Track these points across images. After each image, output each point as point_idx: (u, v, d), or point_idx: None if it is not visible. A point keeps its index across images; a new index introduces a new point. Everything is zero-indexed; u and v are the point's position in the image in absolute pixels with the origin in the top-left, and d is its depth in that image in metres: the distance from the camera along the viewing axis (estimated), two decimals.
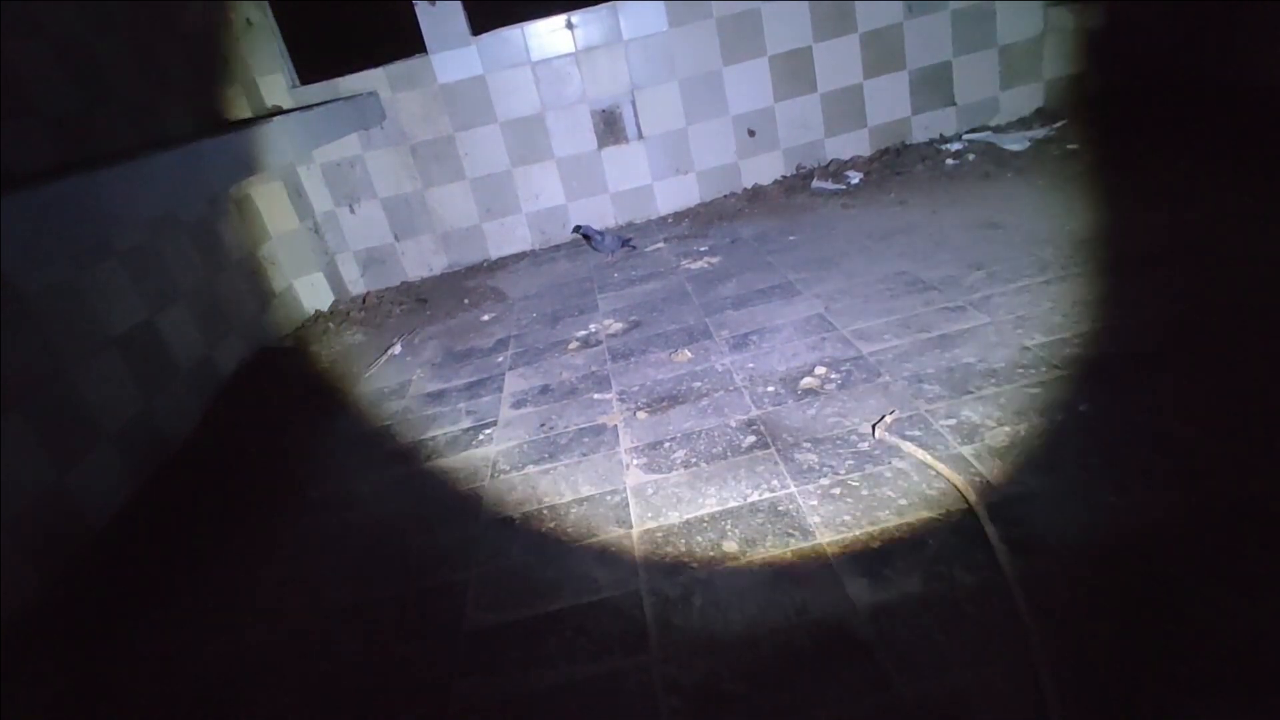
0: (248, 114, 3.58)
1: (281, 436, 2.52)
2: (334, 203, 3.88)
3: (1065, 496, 1.42)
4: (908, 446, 1.68)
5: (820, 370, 2.08)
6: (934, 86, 3.91)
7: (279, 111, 3.58)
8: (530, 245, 4.06)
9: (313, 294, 3.82)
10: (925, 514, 1.48)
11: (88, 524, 2.10)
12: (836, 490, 1.60)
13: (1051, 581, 1.24)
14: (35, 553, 1.91)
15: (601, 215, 4.00)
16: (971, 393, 1.83)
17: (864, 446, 1.73)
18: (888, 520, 1.49)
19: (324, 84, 3.67)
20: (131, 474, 2.32)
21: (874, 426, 1.78)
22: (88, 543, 2.07)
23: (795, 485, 1.65)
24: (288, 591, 1.74)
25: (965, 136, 3.87)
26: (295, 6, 3.75)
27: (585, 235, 3.73)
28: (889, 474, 1.62)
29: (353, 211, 3.91)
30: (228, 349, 3.04)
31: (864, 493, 1.58)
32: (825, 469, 1.68)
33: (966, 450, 1.63)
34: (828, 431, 1.81)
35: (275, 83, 3.65)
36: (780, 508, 1.59)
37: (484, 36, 3.64)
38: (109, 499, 2.20)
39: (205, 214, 3.12)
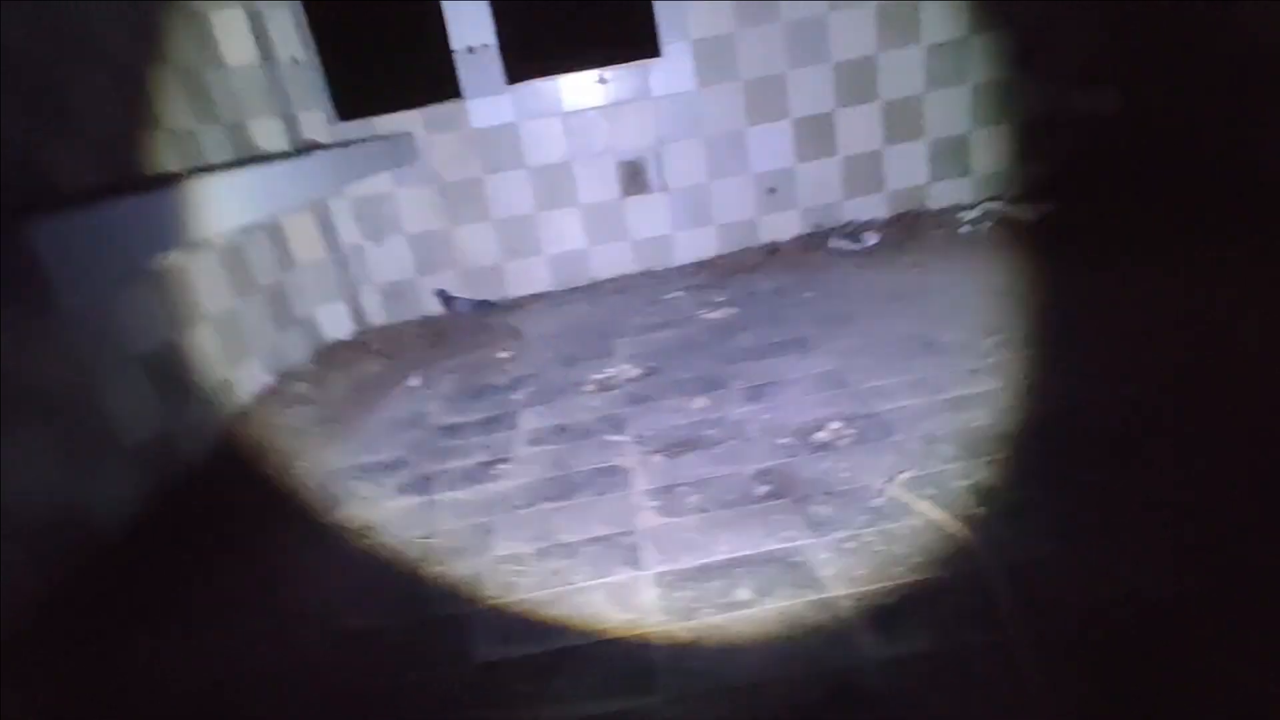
0: (285, 146, 3.69)
1: (296, 461, 2.55)
2: (361, 236, 3.97)
3: (1076, 561, 1.44)
4: (921, 505, 1.70)
5: (835, 425, 2.11)
6: (952, 156, 4.01)
7: (316, 146, 3.70)
8: (549, 287, 4.12)
9: (334, 323, 3.89)
10: (938, 572, 1.49)
11: (99, 535, 2.12)
12: (850, 544, 1.62)
13: (1060, 644, 1.25)
14: (45, 560, 1.92)
15: (621, 261, 4.08)
16: (984, 455, 1.85)
17: (878, 502, 1.74)
18: (901, 576, 1.50)
19: (361, 122, 3.79)
20: (148, 490, 2.34)
21: (888, 483, 1.80)
22: (97, 554, 2.09)
23: (809, 537, 1.66)
24: (296, 614, 1.74)
25: (980, 205, 3.96)
26: (338, 47, 3.90)
27: (446, 299, 4.00)
28: (902, 531, 1.63)
29: (379, 245, 4.00)
30: (248, 372, 3.08)
31: (877, 548, 1.59)
32: (839, 522, 1.69)
33: (979, 512, 1.65)
34: (842, 485, 1.83)
35: (314, 118, 3.77)
36: (793, 559, 1.61)
37: (519, 86, 3.77)
38: (122, 512, 2.22)
39: (235, 238, 3.20)
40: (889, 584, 1.49)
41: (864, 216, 4.06)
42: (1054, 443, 1.84)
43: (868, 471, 1.87)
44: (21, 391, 1.94)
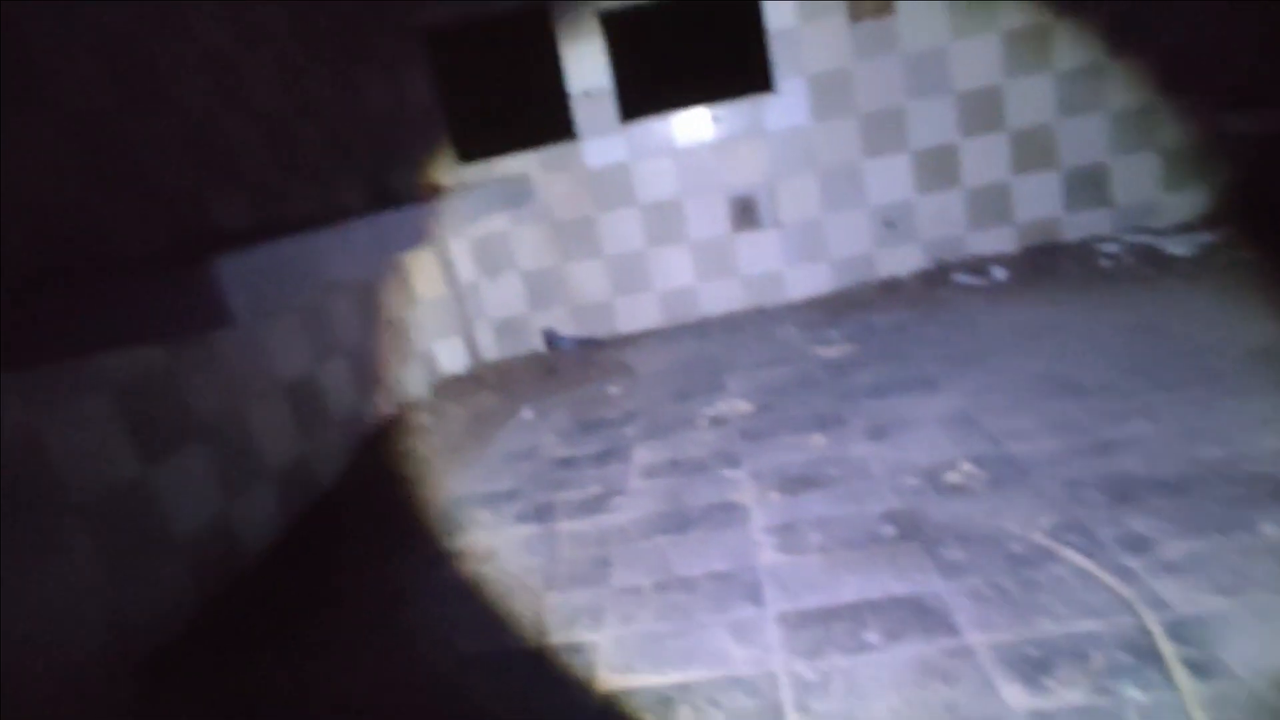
0: (409, 189, 3.93)
1: (419, 489, 2.65)
2: (478, 273, 4.15)
3: (1251, 619, 1.29)
4: (1067, 553, 1.58)
5: (966, 466, 2.00)
6: (1089, 186, 3.80)
7: (439, 188, 3.92)
8: (658, 323, 4.16)
9: (450, 357, 4.06)
10: (1088, 624, 1.38)
11: (245, 553, 2.27)
12: (988, 591, 1.52)
13: (1234, 707, 1.12)
14: (200, 575, 2.07)
15: (730, 298, 4.08)
16: (1136, 503, 1.71)
17: (1017, 549, 1.63)
18: (1046, 627, 1.39)
19: (481, 165, 3.99)
20: (285, 511, 2.50)
21: (1028, 529, 1.68)
22: (243, 572, 2.23)
23: (941, 582, 1.57)
24: (422, 635, 1.79)
25: (1123, 238, 3.72)
26: (459, 93, 4.14)
27: (550, 338, 4.08)
28: (1045, 580, 1.52)
29: (494, 282, 4.16)
30: (373, 404, 3.26)
31: (1018, 596, 1.49)
32: (974, 568, 1.60)
33: (1134, 563, 1.52)
34: (976, 530, 1.73)
35: (438, 162, 4.00)
36: (925, 604, 1.52)
37: (632, 125, 3.88)
38: (265, 532, 2.37)
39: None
40: (1033, 634, 1.38)
41: (990, 250, 3.89)
42: (1217, 490, 1.68)
43: (1004, 516, 1.76)
44: (187, 416, 2.13)
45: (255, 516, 2.34)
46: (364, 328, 3.29)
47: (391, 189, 3.88)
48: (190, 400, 2.14)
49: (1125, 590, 1.43)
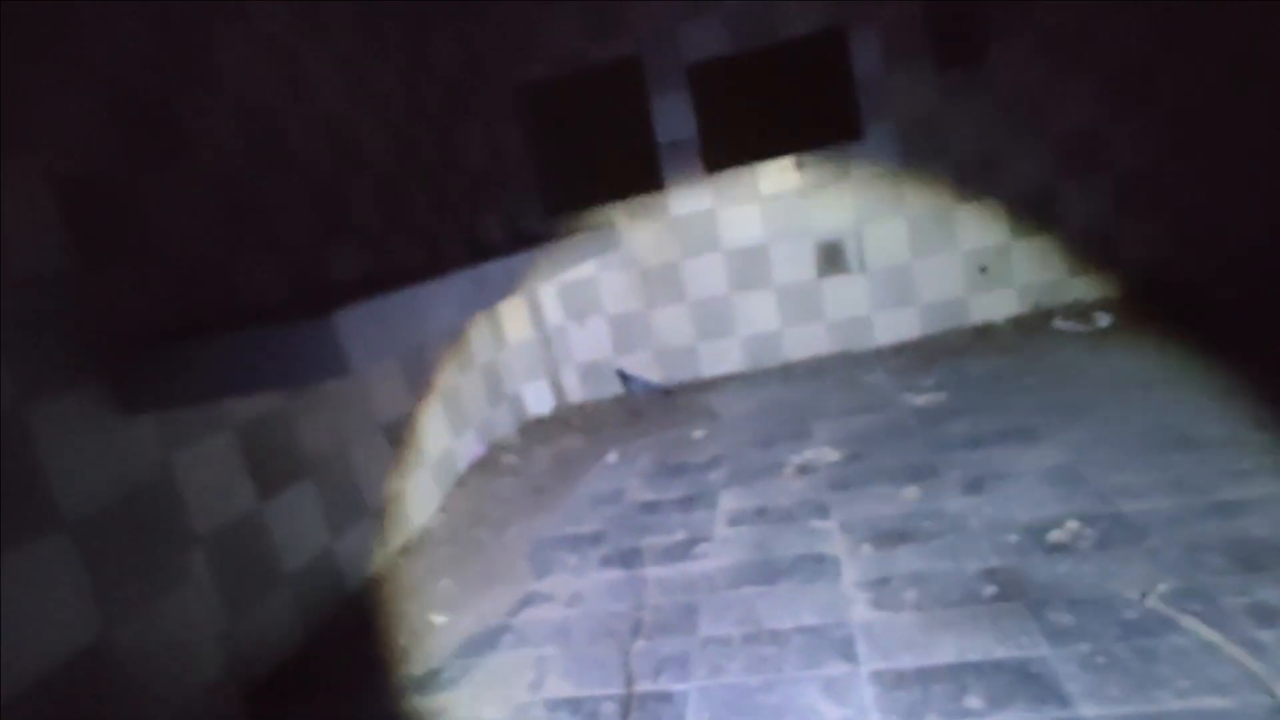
0: (503, 239, 4.10)
1: (507, 529, 2.71)
2: (565, 317, 4.26)
3: None
4: (1189, 622, 1.48)
5: (1072, 525, 1.90)
6: (1205, 228, 3.61)
7: (531, 236, 4.07)
8: (741, 367, 4.16)
9: (537, 399, 4.17)
10: (1215, 701, 1.29)
11: (346, 586, 2.37)
12: (1100, 659, 1.44)
13: None
14: (305, 606, 2.17)
15: (815, 343, 4.04)
16: (1266, 570, 1.59)
17: (1131, 615, 1.54)
18: (1166, 700, 1.31)
19: (572, 215, 4.13)
20: (381, 546, 2.60)
21: (1144, 594, 1.58)
22: (343, 603, 2.33)
23: (1048, 647, 1.50)
24: (511, 673, 1.82)
25: (1244, 283, 3.50)
26: (551, 145, 4.31)
27: (624, 377, 4.05)
28: (1164, 650, 1.43)
29: (581, 327, 4.26)
30: (465, 443, 3.37)
31: (1135, 667, 1.40)
32: (1084, 634, 1.51)
33: (1266, 636, 1.41)
34: (1085, 593, 1.64)
35: (530, 213, 4.16)
36: (1031, 669, 1.45)
37: (718, 174, 3.94)
38: (363, 566, 2.48)
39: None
40: (1153, 708, 1.30)
41: (1093, 295, 3.74)
42: None
43: (1116, 579, 1.67)
44: (298, 455, 2.26)
45: (356, 550, 2.44)
46: (456, 370, 3.42)
47: (487, 239, 4.06)
48: (301, 439, 2.28)
49: (1256, 665, 1.33)
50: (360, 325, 1.60)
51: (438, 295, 2.03)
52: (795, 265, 3.98)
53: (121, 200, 1.84)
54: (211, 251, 2.10)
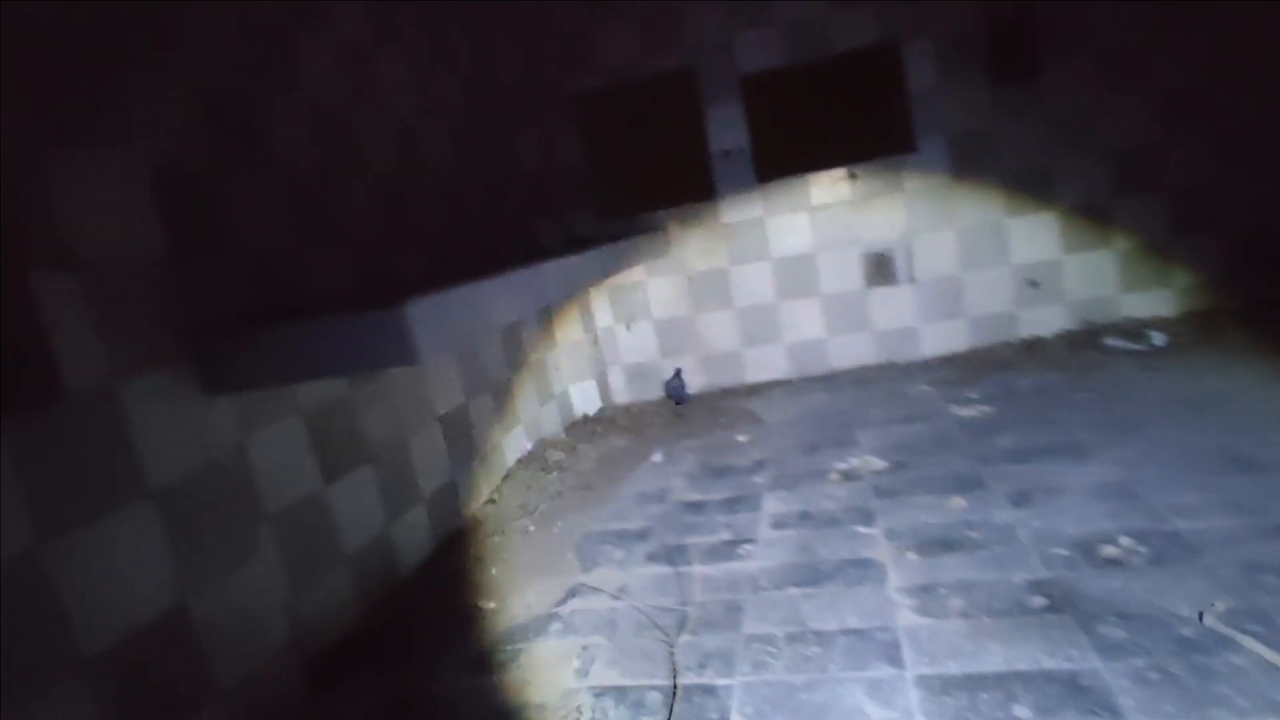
0: (557, 241, 4.18)
1: (554, 522, 2.77)
2: (614, 320, 4.32)
3: None
4: (1248, 642, 1.46)
5: (1125, 540, 1.89)
6: (1265, 246, 3.53)
7: (584, 240, 4.14)
8: (786, 374, 4.17)
9: (584, 398, 4.23)
10: None
11: (400, 568, 2.45)
12: (1153, 675, 1.43)
13: None
14: (362, 586, 2.26)
15: (861, 352, 4.04)
16: None
17: (1186, 633, 1.53)
18: (1223, 719, 1.30)
19: (624, 220, 4.19)
20: (435, 533, 2.68)
21: (1201, 613, 1.57)
22: (399, 585, 2.41)
23: (1100, 661, 1.49)
24: (559, 660, 1.87)
25: None
26: (604, 152, 4.38)
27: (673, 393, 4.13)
28: (1222, 668, 1.42)
29: (628, 329, 4.32)
30: (514, 440, 3.44)
31: (1190, 684, 1.39)
32: (1138, 649, 1.51)
33: None
34: (1138, 608, 1.63)
35: (583, 217, 4.24)
36: (1082, 682, 1.45)
37: (769, 184, 3.97)
38: (417, 550, 2.55)
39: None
40: None
41: (1146, 313, 3.67)
42: None
43: (1170, 596, 1.65)
44: (360, 441, 2.35)
45: (410, 535, 2.53)
46: (509, 367, 3.50)
47: (539, 241, 4.14)
48: (364, 427, 2.37)
49: None
50: (428, 316, 1.67)
51: (497, 292, 2.10)
52: (843, 275, 3.99)
53: (208, 194, 1.95)
54: (286, 245, 2.20)
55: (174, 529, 1.59)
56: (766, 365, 4.19)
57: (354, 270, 2.50)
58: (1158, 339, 3.40)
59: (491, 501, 3.06)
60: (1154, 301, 3.67)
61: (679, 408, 4.07)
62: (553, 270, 2.63)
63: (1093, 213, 3.65)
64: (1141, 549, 1.84)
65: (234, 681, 1.67)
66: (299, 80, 2.37)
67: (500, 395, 3.37)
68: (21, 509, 1.31)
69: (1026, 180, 3.69)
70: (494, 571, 2.45)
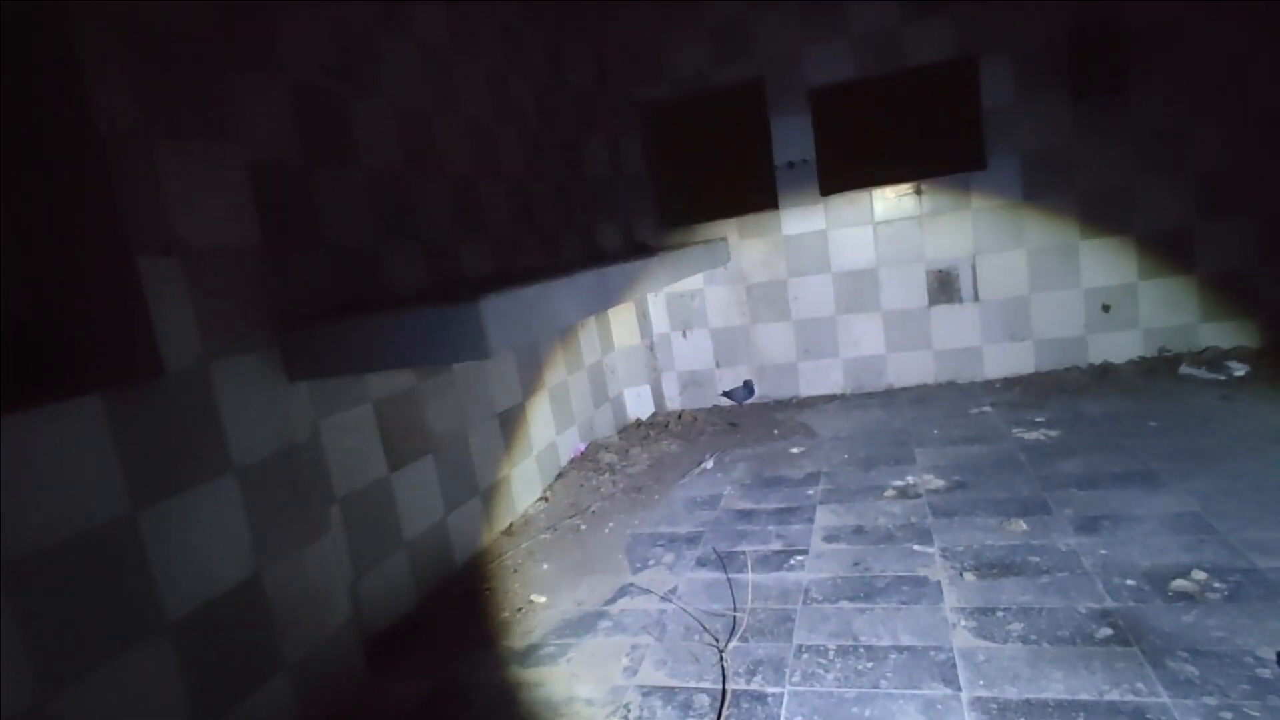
0: (618, 247, 4.23)
1: (605, 522, 2.80)
2: (670, 327, 4.34)
3: None
4: None
5: (1199, 575, 1.82)
6: None
7: (645, 246, 4.18)
8: (841, 389, 4.13)
9: (638, 403, 4.26)
10: None
11: (454, 558, 2.51)
12: (1226, 715, 1.38)
13: None
14: (419, 573, 2.32)
15: (921, 370, 3.97)
16: None
17: (1264, 674, 1.47)
18: None
19: (684, 228, 4.22)
20: (488, 526, 2.74)
21: None
22: (453, 574, 2.47)
23: (1168, 696, 1.45)
24: (608, 657, 1.89)
25: None
26: (669, 161, 4.41)
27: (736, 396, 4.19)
28: None
29: (684, 337, 4.34)
30: (567, 440, 3.49)
31: None
32: (1210, 687, 1.45)
33: None
34: (1212, 645, 1.57)
35: (645, 224, 4.28)
36: (1148, 716, 1.41)
37: (833, 197, 3.95)
38: (471, 541, 2.61)
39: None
40: None
41: (1227, 343, 3.53)
42: None
43: (1248, 634, 1.59)
44: (424, 433, 2.42)
45: (466, 526, 2.59)
46: (566, 368, 3.55)
47: (602, 246, 4.19)
48: (428, 419, 2.44)
49: None
50: (501, 312, 1.72)
51: (564, 292, 2.14)
52: (905, 291, 3.94)
53: (298, 189, 2.05)
54: (367, 240, 2.29)
55: (253, 504, 1.67)
56: (822, 379, 4.16)
57: (428, 267, 2.58)
58: (1238, 369, 3.26)
59: (544, 499, 3.11)
60: (1236, 331, 3.52)
61: (735, 410, 4.09)
62: (616, 275, 2.67)
63: (1173, 236, 3.53)
64: (1217, 584, 1.78)
65: (300, 656, 1.74)
66: (383, 83, 2.46)
67: (556, 396, 3.42)
68: (119, 477, 1.39)
69: (1103, 200, 3.58)
70: (545, 567, 2.49)
